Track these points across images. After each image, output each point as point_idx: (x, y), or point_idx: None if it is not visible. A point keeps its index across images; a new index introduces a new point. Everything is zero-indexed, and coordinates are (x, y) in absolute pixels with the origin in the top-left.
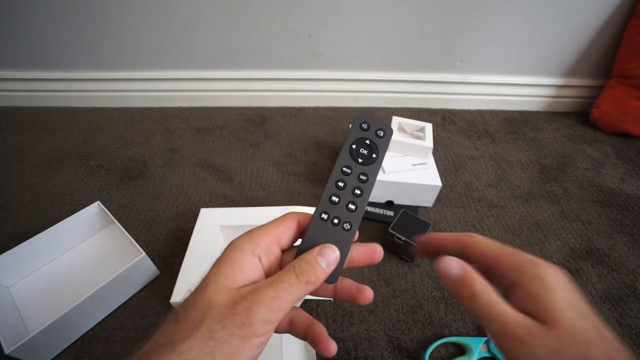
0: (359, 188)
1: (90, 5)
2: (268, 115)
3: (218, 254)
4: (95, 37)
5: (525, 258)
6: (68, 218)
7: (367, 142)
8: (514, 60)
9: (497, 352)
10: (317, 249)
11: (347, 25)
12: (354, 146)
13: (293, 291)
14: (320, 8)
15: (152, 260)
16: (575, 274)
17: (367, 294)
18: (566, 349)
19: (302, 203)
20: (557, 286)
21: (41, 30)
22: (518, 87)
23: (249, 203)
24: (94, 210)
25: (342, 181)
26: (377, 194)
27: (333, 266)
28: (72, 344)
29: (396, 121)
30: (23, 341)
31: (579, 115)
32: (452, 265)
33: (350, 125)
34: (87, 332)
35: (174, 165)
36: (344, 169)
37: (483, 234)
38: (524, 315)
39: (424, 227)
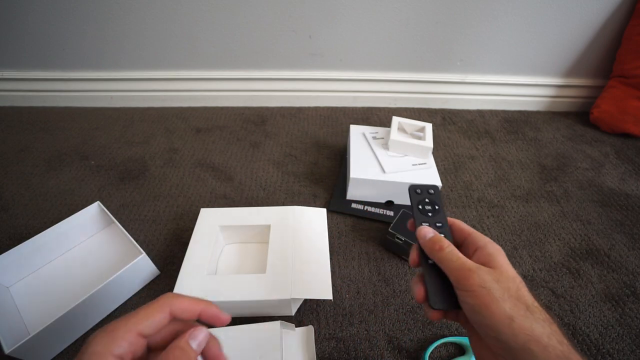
0: (442, 231)
1: (91, 5)
2: (268, 115)
3: (218, 254)
4: (96, 37)
5: (485, 237)
6: (68, 218)
7: (427, 200)
8: (514, 60)
9: None
10: (187, 333)
11: (347, 25)
12: (419, 207)
13: None
14: (320, 8)
15: (152, 260)
16: (575, 274)
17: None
18: (502, 279)
19: (302, 203)
20: (501, 253)
21: (41, 30)
22: (518, 87)
23: (249, 203)
24: (94, 210)
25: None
26: (377, 194)
27: (203, 345)
28: (72, 344)
29: (396, 121)
30: (23, 341)
31: (579, 115)
32: (427, 230)
33: (409, 197)
34: (87, 332)
35: (174, 165)
36: (424, 224)
37: (483, 234)
38: (476, 264)
39: None
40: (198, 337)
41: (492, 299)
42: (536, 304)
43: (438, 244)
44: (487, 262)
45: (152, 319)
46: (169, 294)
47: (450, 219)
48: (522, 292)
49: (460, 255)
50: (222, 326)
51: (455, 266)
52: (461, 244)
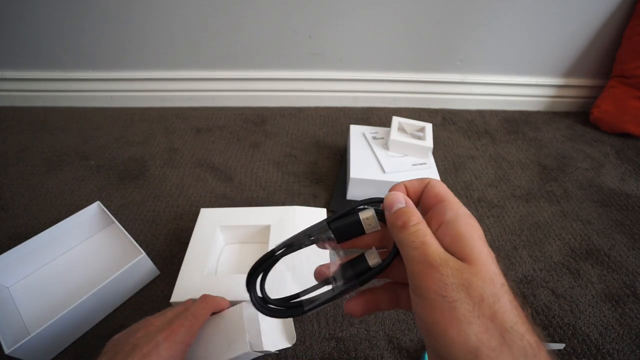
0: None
1: (91, 5)
2: (268, 115)
3: (218, 254)
4: (96, 37)
5: (463, 209)
6: (68, 218)
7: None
8: (514, 60)
9: None
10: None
11: (347, 25)
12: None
13: None
14: (320, 8)
15: (152, 260)
16: (575, 274)
17: None
18: (475, 282)
19: (302, 203)
20: (476, 233)
21: (41, 30)
22: (518, 87)
23: (249, 203)
24: (94, 210)
25: None
26: (377, 194)
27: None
28: (72, 344)
29: (396, 121)
30: (23, 341)
31: (579, 115)
32: (398, 198)
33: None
34: (87, 332)
35: (174, 165)
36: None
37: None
38: (444, 252)
39: None
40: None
41: (452, 318)
42: (519, 324)
43: (402, 219)
44: (456, 249)
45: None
46: (208, 302)
47: (428, 179)
48: (501, 304)
49: (428, 238)
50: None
51: (413, 255)
52: (429, 213)
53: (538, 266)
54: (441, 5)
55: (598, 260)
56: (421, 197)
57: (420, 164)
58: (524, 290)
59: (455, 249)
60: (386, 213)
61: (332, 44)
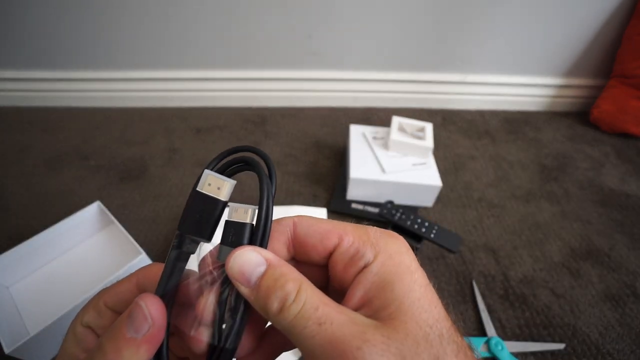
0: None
1: (90, 4)
2: (268, 115)
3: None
4: (96, 37)
5: (377, 232)
6: (68, 218)
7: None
8: (514, 60)
9: (497, 352)
10: (128, 309)
11: (347, 25)
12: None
13: None
14: (320, 8)
15: (152, 260)
16: (576, 274)
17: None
18: (410, 350)
19: (302, 203)
20: (404, 273)
21: (41, 29)
22: (518, 87)
23: (249, 203)
24: (94, 210)
25: None
26: (377, 194)
27: (145, 330)
28: None
29: (396, 121)
30: (23, 341)
31: (579, 115)
32: (252, 260)
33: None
34: None
35: (174, 165)
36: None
37: (483, 234)
38: (354, 318)
39: None
40: (134, 319)
41: None
42: None
43: (273, 299)
44: (379, 303)
45: (116, 290)
46: (152, 263)
47: (285, 221)
48: None
49: (325, 311)
50: None
51: (313, 345)
52: (330, 259)
53: (538, 266)
54: (441, 5)
55: (598, 260)
56: (294, 245)
57: (420, 164)
58: (524, 290)
59: (379, 303)
60: (243, 290)
61: (332, 44)
